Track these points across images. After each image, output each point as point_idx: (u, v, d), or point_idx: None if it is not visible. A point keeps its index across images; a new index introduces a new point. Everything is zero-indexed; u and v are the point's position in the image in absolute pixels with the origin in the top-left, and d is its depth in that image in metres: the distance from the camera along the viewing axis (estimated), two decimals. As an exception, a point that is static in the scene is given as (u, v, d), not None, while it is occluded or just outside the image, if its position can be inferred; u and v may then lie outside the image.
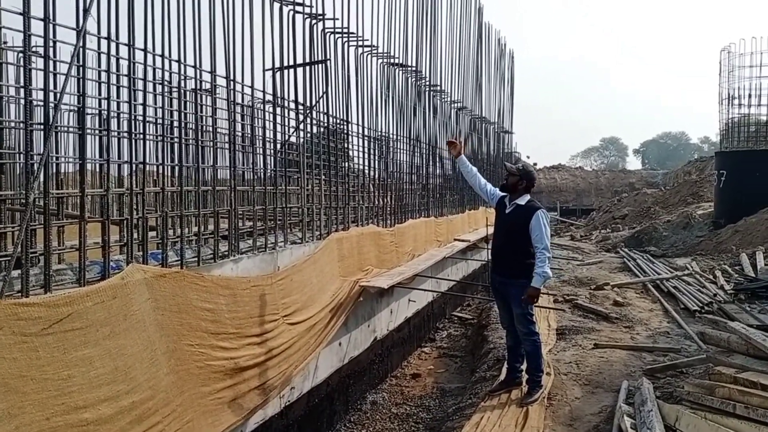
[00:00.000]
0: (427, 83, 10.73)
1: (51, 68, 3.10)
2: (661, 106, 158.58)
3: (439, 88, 11.40)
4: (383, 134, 8.71)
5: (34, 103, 3.51)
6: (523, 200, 5.49)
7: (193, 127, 4.63)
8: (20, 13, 2.90)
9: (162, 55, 4.02)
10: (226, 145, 5.14)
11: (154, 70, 4.00)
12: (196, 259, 4.27)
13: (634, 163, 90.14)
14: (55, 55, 3.17)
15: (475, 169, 6.05)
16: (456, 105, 13.07)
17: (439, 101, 11.67)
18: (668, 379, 5.90)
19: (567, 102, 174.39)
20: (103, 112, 3.63)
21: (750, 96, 19.40)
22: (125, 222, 3.70)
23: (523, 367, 5.72)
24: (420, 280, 8.75)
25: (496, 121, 17.57)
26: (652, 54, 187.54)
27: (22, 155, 3.28)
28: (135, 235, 3.73)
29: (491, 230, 6.22)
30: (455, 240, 11.96)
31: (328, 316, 5.80)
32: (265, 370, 4.61)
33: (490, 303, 9.86)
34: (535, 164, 46.59)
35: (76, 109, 3.78)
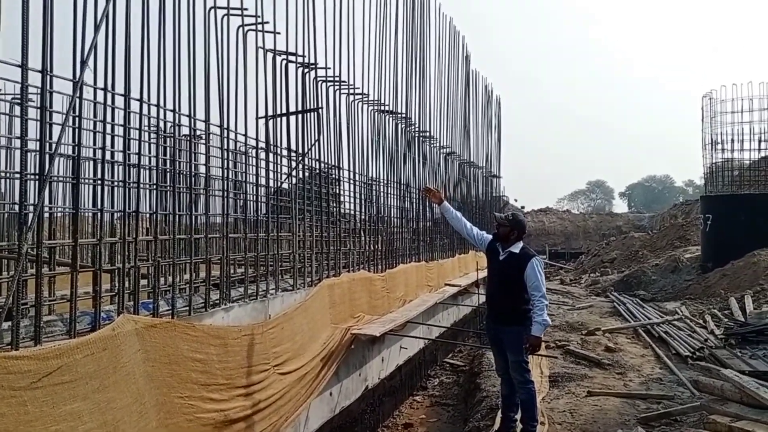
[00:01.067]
0: (417, 129, 10.87)
1: (47, 119, 3.11)
2: (645, 145, 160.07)
3: (428, 133, 11.55)
4: (374, 179, 8.77)
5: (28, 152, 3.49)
6: (516, 248, 5.50)
7: (186, 175, 4.64)
8: (18, 65, 2.93)
9: (157, 105, 4.05)
10: (219, 192, 5.14)
11: (149, 119, 4.02)
12: (187, 308, 4.22)
13: (620, 206, 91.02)
14: (51, 106, 3.18)
15: (459, 214, 6.07)
16: (445, 150, 13.23)
17: (428, 147, 11.81)
18: (663, 427, 5.85)
19: (551, 142, 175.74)
20: (97, 161, 3.62)
21: (732, 141, 19.90)
22: (117, 271, 3.66)
23: (518, 416, 5.63)
24: (411, 326, 8.68)
25: (484, 165, 17.78)
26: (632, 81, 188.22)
27: (15, 206, 3.26)
28: (126, 284, 3.69)
29: (482, 274, 6.21)
30: (446, 285, 11.90)
31: (319, 365, 5.72)
32: (254, 422, 4.50)
33: (482, 350, 9.77)
34: (522, 207, 46.95)
35: (69, 157, 3.78)
